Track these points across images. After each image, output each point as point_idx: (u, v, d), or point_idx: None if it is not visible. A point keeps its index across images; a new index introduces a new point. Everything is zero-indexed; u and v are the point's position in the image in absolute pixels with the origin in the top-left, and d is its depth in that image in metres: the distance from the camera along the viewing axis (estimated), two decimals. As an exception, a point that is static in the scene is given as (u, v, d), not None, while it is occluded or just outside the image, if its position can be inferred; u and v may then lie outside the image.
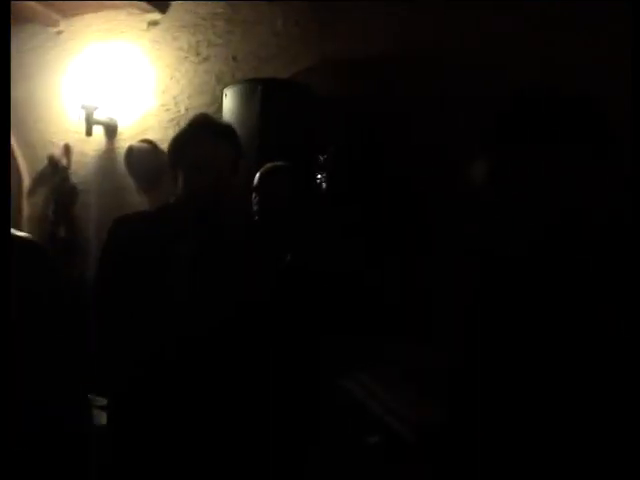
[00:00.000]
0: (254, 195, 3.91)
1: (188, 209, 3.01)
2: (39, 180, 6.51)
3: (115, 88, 6.03)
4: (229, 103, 4.87)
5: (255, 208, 3.89)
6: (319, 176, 4.87)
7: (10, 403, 2.14)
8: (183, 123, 5.55)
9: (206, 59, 5.73)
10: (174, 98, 5.85)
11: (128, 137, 6.02)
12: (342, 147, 4.90)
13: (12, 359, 2.14)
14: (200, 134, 3.05)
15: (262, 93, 4.66)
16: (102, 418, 3.82)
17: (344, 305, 3.78)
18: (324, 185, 4.90)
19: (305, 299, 3.61)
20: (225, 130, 3.15)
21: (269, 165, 4.00)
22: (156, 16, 5.97)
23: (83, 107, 5.93)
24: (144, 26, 6.04)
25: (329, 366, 3.56)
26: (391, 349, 3.90)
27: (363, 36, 5.09)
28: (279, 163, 4.01)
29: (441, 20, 4.71)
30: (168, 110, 5.86)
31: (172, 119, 5.76)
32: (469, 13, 4.54)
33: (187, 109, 5.76)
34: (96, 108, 5.95)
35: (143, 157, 5.82)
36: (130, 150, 5.89)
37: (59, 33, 6.49)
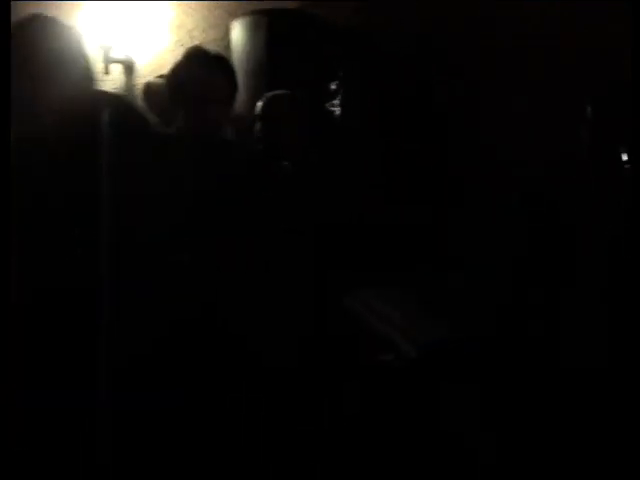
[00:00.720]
0: (257, 124, 3.98)
1: (192, 140, 3.11)
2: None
3: (131, 26, 6.09)
4: (237, 36, 4.96)
5: (258, 136, 3.96)
6: (330, 105, 4.94)
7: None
8: (198, 57, 5.70)
9: (218, -7, 5.80)
10: (188, 32, 5.94)
11: (146, 74, 6.10)
12: (352, 74, 4.96)
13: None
14: (194, 67, 3.14)
15: (268, 24, 4.74)
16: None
17: (358, 239, 3.88)
18: (336, 113, 4.97)
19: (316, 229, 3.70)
20: (219, 61, 3.24)
21: (271, 93, 4.07)
22: (168, -47, 6.03)
23: (100, 47, 6.02)
24: (157, -36, 6.09)
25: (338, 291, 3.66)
26: (400, 275, 4.01)
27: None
28: (282, 91, 4.07)
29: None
30: (183, 45, 5.90)
31: (187, 53, 5.83)
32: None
33: (201, 43, 5.82)
34: (112, 47, 6.03)
35: (160, 93, 5.89)
36: (148, 87, 5.97)
37: (75, -26, 6.54)
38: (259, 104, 4.00)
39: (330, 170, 4.16)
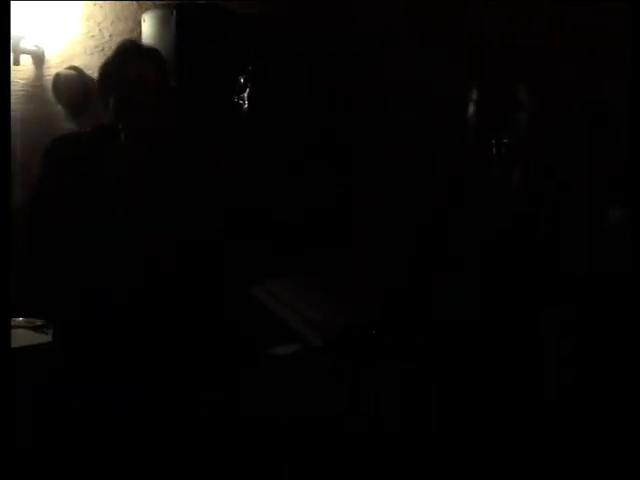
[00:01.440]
0: None
1: (123, 129, 3.17)
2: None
3: (41, 17, 6.09)
4: (147, 29, 4.98)
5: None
6: (239, 98, 4.99)
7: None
8: (107, 49, 5.74)
9: (127, -16, 5.82)
10: (98, 25, 5.94)
11: (55, 65, 6.11)
12: (261, 67, 5.02)
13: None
14: (126, 58, 3.21)
15: (176, 17, 4.77)
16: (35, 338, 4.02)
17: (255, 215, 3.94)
18: (245, 106, 5.02)
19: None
20: (150, 53, 3.31)
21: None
22: (77, -58, 6.03)
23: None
24: (66, -46, 6.09)
25: (238, 275, 3.72)
26: (306, 259, 4.08)
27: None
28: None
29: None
30: (93, 37, 5.95)
31: (97, 45, 5.85)
32: None
33: (111, 35, 5.86)
34: (22, 37, 6.02)
35: (70, 84, 5.92)
36: (57, 77, 6.00)
37: (-17, -37, 6.50)
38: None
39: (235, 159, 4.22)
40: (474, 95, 3.26)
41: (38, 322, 4.34)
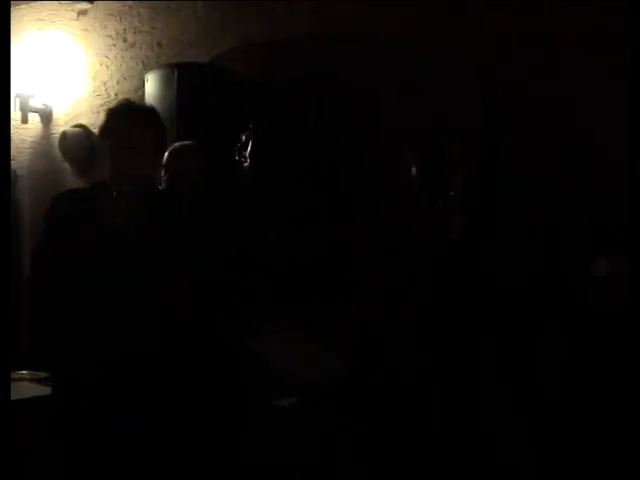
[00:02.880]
0: (163, 173, 4.11)
1: (113, 187, 3.27)
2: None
3: (49, 76, 6.26)
4: (150, 88, 5.14)
5: (164, 185, 4.10)
6: (240, 156, 5.11)
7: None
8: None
9: (132, 45, 6.01)
10: (104, 84, 6.12)
11: (62, 123, 6.28)
12: (261, 128, 5.15)
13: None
14: (120, 118, 3.32)
15: (178, 77, 4.93)
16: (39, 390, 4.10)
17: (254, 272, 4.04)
18: (245, 165, 5.14)
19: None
20: (145, 113, 3.41)
21: (177, 144, 4.22)
22: (85, 5, 6.21)
23: (18, 96, 6.17)
24: (74, 15, 6.28)
25: (235, 330, 3.81)
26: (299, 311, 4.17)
27: (283, 19, 5.38)
28: (187, 142, 4.23)
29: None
30: (99, 95, 6.12)
31: (102, 104, 6.00)
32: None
33: (116, 94, 6.03)
34: (31, 96, 6.19)
35: (76, 141, 6.08)
36: (64, 135, 6.16)
37: (-7, 24, 6.68)
38: (165, 155, 4.11)
39: (235, 217, 4.32)
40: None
41: (42, 375, 4.42)
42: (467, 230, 3.46)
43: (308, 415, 3.66)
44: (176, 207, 3.53)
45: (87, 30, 6.22)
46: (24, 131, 6.41)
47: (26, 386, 4.50)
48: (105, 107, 5.93)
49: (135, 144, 3.20)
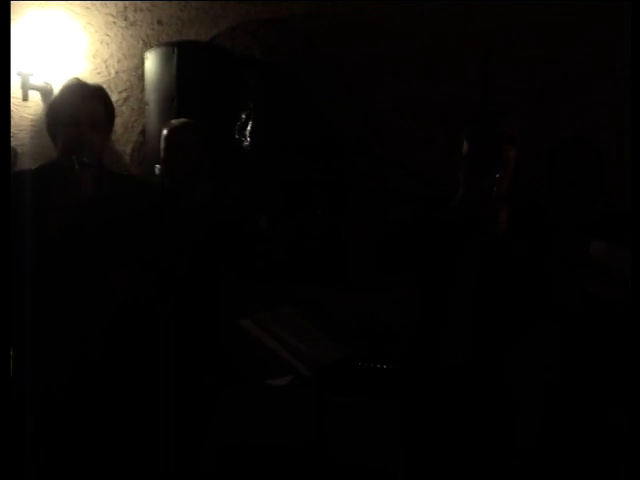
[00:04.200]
0: (162, 148, 4.08)
1: (64, 164, 3.29)
2: (-20, 145, 6.74)
3: (49, 54, 6.25)
4: (150, 66, 5.15)
5: (162, 161, 4.08)
6: (240, 135, 5.13)
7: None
8: (113, 86, 5.91)
9: (133, 24, 6.02)
10: (104, 62, 6.13)
11: (63, 100, 6.27)
12: (260, 107, 5.16)
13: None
14: (69, 95, 3.36)
15: (178, 56, 4.93)
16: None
17: (245, 248, 4.05)
18: (245, 142, 5.15)
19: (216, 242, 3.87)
20: (92, 90, 3.45)
21: (174, 121, 4.20)
22: (86, -17, 6.22)
23: (19, 74, 6.17)
24: (75, -7, 6.28)
25: (233, 308, 3.83)
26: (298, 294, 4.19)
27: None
28: (184, 119, 4.21)
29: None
30: (99, 73, 6.12)
31: (103, 82, 5.96)
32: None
33: (117, 72, 6.05)
34: (31, 74, 6.19)
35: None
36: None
37: (-6, 2, 6.69)
38: (163, 133, 4.11)
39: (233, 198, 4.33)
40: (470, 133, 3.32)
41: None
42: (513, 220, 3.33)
43: (302, 394, 3.68)
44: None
45: (88, 8, 6.21)
46: (24, 109, 6.41)
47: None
48: (106, 85, 5.94)
49: (86, 119, 3.25)
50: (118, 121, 5.90)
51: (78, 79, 3.55)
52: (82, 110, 3.28)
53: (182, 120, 4.20)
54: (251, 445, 3.77)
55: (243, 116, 5.12)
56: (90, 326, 3.20)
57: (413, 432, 3.38)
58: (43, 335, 3.20)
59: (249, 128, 5.11)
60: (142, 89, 5.32)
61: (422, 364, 3.38)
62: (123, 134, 6.01)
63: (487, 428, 3.24)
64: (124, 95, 6.03)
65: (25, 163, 6.37)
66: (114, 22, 6.09)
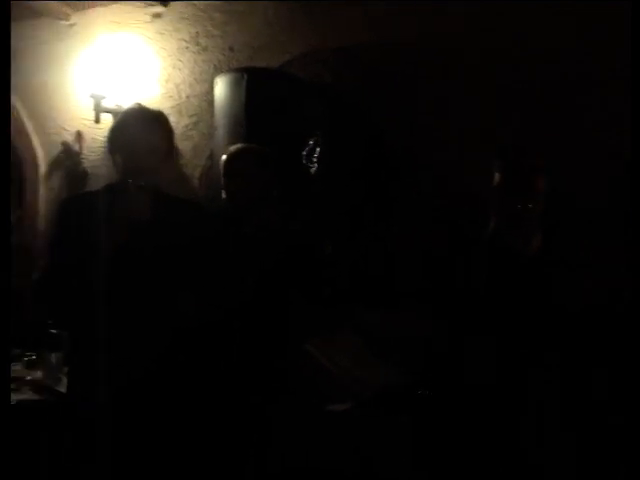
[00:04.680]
0: (223, 179, 4.08)
1: (125, 188, 3.33)
2: (54, 165, 6.87)
3: (122, 77, 6.37)
4: (219, 91, 5.20)
5: (223, 187, 4.07)
6: (307, 161, 5.15)
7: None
8: (184, 110, 5.99)
9: (205, 49, 6.09)
10: (176, 86, 6.21)
11: (134, 124, 6.36)
12: (328, 133, 5.18)
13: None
14: (128, 120, 3.40)
15: (247, 82, 4.97)
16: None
17: (314, 274, 4.05)
18: (313, 169, 5.18)
19: (281, 269, 3.88)
20: (151, 115, 3.48)
21: (234, 147, 4.20)
22: (159, 9, 6.33)
23: (92, 96, 6.30)
24: (148, 18, 6.39)
25: (296, 333, 3.84)
26: (357, 317, 4.19)
27: (351, 26, 5.42)
28: (246, 145, 4.19)
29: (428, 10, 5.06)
30: (171, 97, 6.21)
31: (174, 106, 6.09)
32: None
33: (188, 97, 6.13)
34: (104, 97, 6.30)
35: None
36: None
37: (71, 26, 6.83)
38: (222, 158, 4.14)
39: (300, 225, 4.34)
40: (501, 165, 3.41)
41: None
42: (545, 244, 3.43)
43: (362, 421, 3.68)
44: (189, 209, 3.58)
45: (161, 33, 6.33)
46: (96, 131, 6.53)
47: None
48: (176, 109, 6.06)
49: (144, 144, 3.28)
50: (187, 145, 6.00)
51: (139, 104, 3.58)
52: (140, 135, 3.31)
53: (241, 146, 4.19)
54: (311, 470, 3.74)
55: (311, 142, 5.14)
56: (143, 348, 3.21)
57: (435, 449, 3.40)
58: (99, 354, 3.23)
59: (317, 154, 5.12)
60: (212, 114, 5.35)
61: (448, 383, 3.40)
62: (192, 158, 6.08)
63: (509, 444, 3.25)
64: (194, 119, 6.10)
65: (96, 185, 6.47)
66: (186, 47, 6.17)
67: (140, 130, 3.32)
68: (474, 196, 3.74)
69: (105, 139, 3.49)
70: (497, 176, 3.44)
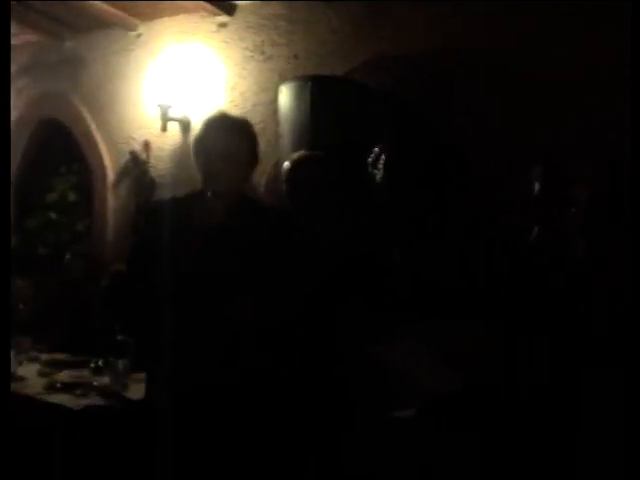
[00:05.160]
0: (285, 186, 4.09)
1: (205, 195, 3.35)
2: (122, 174, 6.97)
3: (188, 86, 6.44)
4: (284, 99, 5.22)
5: (287, 198, 4.08)
6: (373, 168, 5.14)
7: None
8: (250, 118, 5.93)
9: (270, 58, 6.14)
10: (241, 95, 6.27)
11: (201, 132, 6.43)
12: (393, 140, 5.17)
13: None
14: (209, 128, 3.41)
15: (311, 89, 4.99)
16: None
17: (376, 281, 4.04)
18: (378, 176, 5.16)
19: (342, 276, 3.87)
20: (236, 124, 3.48)
21: (296, 154, 4.21)
22: (225, 18, 6.39)
23: (159, 105, 6.37)
24: (214, 28, 6.46)
25: (355, 340, 3.83)
26: (419, 324, 4.17)
27: (414, 34, 5.42)
28: (307, 152, 4.20)
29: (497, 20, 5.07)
30: (236, 106, 6.25)
31: (240, 114, 6.09)
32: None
33: (253, 105, 6.17)
34: (170, 106, 6.38)
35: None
36: (199, 144, 6.31)
37: (138, 36, 6.94)
38: (285, 165, 4.15)
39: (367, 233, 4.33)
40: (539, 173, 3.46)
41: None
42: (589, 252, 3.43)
43: (426, 427, 3.66)
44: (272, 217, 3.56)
45: (226, 42, 6.39)
46: (164, 139, 6.61)
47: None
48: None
49: (230, 154, 3.28)
50: (253, 153, 6.04)
51: (222, 112, 3.59)
52: (220, 143, 3.31)
53: (303, 153, 4.19)
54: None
55: (376, 149, 5.13)
56: (213, 352, 3.23)
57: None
58: (171, 356, 3.26)
59: (382, 161, 5.11)
60: (277, 122, 5.38)
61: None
62: (258, 166, 6.10)
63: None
64: (259, 127, 6.08)
65: (164, 193, 6.56)
66: (251, 56, 6.22)
67: (220, 138, 3.33)
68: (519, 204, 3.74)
69: (192, 147, 3.49)
70: (537, 185, 3.48)
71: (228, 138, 3.33)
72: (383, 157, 5.06)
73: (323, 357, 3.68)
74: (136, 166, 6.81)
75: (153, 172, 6.73)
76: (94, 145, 7.17)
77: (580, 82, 4.68)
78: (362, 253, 3.97)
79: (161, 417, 3.28)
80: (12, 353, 4.63)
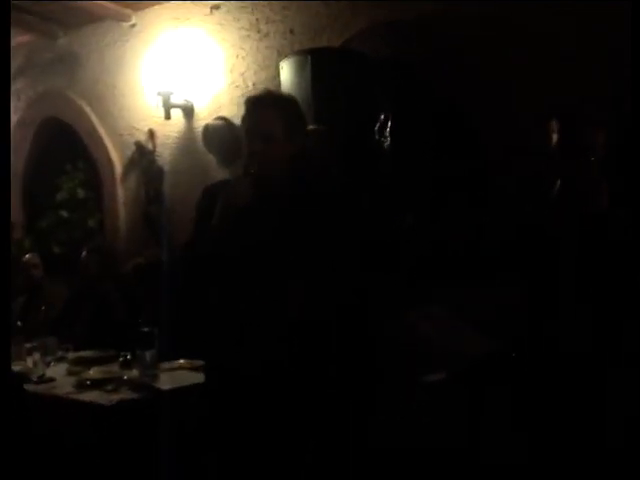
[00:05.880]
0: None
1: (247, 172, 3.31)
2: (129, 165, 6.96)
3: (187, 72, 6.41)
4: (285, 75, 5.19)
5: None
6: (380, 135, 5.12)
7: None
8: (251, 98, 5.98)
9: (266, 35, 6.10)
10: (241, 75, 6.23)
11: (204, 117, 6.41)
12: (398, 106, 5.15)
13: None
14: (253, 105, 3.36)
15: (312, 63, 4.96)
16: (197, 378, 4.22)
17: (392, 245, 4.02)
18: (387, 142, 5.14)
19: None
20: (278, 99, 3.42)
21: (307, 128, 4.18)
22: (217, 1, 6.34)
23: (159, 93, 6.34)
24: (208, 11, 6.43)
25: (385, 306, 3.81)
26: (447, 291, 4.16)
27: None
28: (313, 126, 4.17)
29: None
30: (237, 87, 6.23)
31: (241, 95, 6.07)
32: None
33: (254, 84, 6.12)
34: (171, 93, 6.34)
35: (219, 134, 6.19)
36: (206, 129, 6.28)
37: (132, 26, 6.91)
38: None
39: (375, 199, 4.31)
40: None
41: (199, 363, 4.54)
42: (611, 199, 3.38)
43: (457, 392, 3.65)
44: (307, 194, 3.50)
45: (221, 24, 6.35)
46: (168, 127, 6.59)
47: (182, 375, 4.64)
48: (244, 98, 6.05)
49: (266, 131, 3.21)
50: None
51: (266, 89, 3.56)
52: (252, 122, 3.27)
53: (309, 128, 4.16)
54: (402, 450, 3.71)
55: (382, 117, 5.10)
56: (263, 334, 3.21)
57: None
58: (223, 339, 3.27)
59: (389, 128, 5.09)
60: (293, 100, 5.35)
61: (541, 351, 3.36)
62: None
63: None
64: (262, 106, 6.10)
65: (170, 180, 6.56)
66: (248, 35, 6.18)
67: (252, 117, 3.28)
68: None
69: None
70: (554, 136, 3.40)
71: (256, 116, 3.27)
72: (389, 124, 5.05)
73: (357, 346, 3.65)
74: (143, 156, 6.79)
75: (160, 160, 6.71)
76: (99, 140, 7.15)
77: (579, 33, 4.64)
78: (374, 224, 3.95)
79: (223, 403, 3.28)
80: (38, 355, 4.66)
